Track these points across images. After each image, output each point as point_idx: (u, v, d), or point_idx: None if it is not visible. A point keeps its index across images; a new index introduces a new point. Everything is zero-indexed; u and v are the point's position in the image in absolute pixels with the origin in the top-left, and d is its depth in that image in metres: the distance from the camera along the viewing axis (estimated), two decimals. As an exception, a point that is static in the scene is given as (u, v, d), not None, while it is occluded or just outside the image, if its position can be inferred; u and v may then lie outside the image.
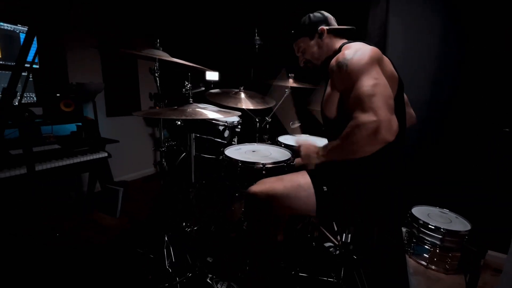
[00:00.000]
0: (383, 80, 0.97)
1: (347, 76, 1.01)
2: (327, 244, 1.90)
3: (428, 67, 2.07)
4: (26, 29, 2.03)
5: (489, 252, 1.91)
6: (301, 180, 1.19)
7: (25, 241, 1.84)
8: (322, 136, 1.95)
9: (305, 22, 1.29)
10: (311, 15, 1.29)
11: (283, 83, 2.05)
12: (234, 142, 2.04)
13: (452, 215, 1.94)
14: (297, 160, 1.61)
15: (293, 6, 2.43)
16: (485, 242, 1.80)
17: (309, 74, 1.45)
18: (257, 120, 2.14)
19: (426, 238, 1.82)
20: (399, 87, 1.11)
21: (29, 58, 0.85)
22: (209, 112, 1.39)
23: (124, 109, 3.07)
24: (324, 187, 1.15)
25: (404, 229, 2.00)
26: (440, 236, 1.76)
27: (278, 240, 1.43)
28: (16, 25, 2.03)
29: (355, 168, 1.13)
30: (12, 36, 2.03)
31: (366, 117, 0.90)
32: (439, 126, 2.09)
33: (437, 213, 1.96)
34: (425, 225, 1.82)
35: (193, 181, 1.69)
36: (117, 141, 2.53)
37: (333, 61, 1.09)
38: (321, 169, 1.32)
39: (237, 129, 2.02)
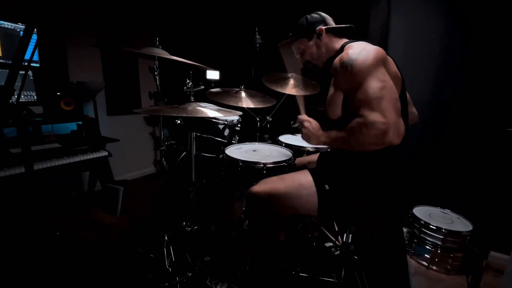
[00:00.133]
0: (390, 82, 0.97)
1: (352, 76, 1.00)
2: (328, 244, 1.89)
3: (429, 67, 2.06)
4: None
5: (491, 252, 1.90)
6: (303, 179, 1.18)
7: (25, 241, 1.84)
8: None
9: (303, 23, 1.28)
10: (309, 16, 1.29)
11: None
12: (235, 141, 2.03)
13: (454, 216, 1.93)
14: (298, 160, 1.60)
15: (294, 5, 2.42)
16: (487, 243, 1.79)
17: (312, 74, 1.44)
18: (258, 119, 2.14)
19: (428, 238, 1.81)
20: (403, 86, 1.10)
21: (28, 56, 0.85)
22: (210, 111, 1.38)
23: (124, 108, 3.06)
24: (326, 186, 1.14)
25: (405, 229, 1.99)
26: (441, 237, 1.75)
27: (279, 240, 1.42)
28: (17, 23, 2.02)
29: (360, 161, 1.13)
30: (12, 34, 2.02)
31: (375, 117, 0.90)
32: (441, 126, 2.07)
33: (439, 214, 1.95)
34: (427, 225, 1.81)
35: (193, 180, 1.69)
36: (118, 140, 2.53)
37: (337, 60, 1.07)
38: (322, 168, 1.32)
39: (237, 128, 2.02)
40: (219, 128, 1.92)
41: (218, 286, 1.49)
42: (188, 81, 1.65)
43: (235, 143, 1.96)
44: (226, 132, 1.94)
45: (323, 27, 1.24)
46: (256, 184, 1.25)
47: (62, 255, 1.82)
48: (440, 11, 1.99)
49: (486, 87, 1.91)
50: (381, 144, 0.91)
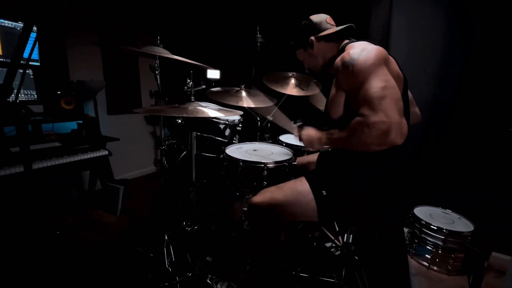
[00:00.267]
0: (392, 82, 0.95)
1: (354, 76, 0.99)
2: (328, 244, 1.89)
3: (430, 67, 2.05)
4: (27, 26, 2.02)
5: (492, 253, 1.89)
6: (300, 187, 1.18)
7: (25, 241, 1.84)
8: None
9: (297, 35, 1.31)
10: (301, 24, 1.29)
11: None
12: (235, 140, 2.02)
13: (455, 216, 1.92)
14: (299, 160, 1.60)
15: (295, 5, 2.41)
16: (489, 244, 1.78)
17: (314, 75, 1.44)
18: (259, 119, 2.13)
19: (428, 238, 1.80)
20: (405, 86, 1.09)
21: (26, 55, 0.84)
22: (210, 111, 1.37)
23: (125, 107, 3.06)
24: (323, 191, 1.14)
25: (406, 230, 1.99)
26: (442, 237, 1.74)
27: (280, 240, 1.42)
28: (17, 22, 2.02)
29: (356, 161, 1.13)
30: (13, 33, 2.02)
31: (377, 117, 0.88)
32: (443, 126, 2.07)
33: (440, 214, 1.94)
34: (428, 225, 1.80)
35: (193, 180, 1.68)
36: (118, 139, 2.52)
37: (338, 60, 1.07)
38: (320, 171, 1.31)
39: (238, 128, 2.01)
40: (220, 127, 1.91)
41: (218, 286, 1.49)
42: (188, 80, 1.64)
43: (235, 143, 1.95)
44: (227, 132, 1.94)
45: (313, 38, 1.25)
46: (255, 194, 1.25)
47: (62, 255, 1.82)
48: (441, 10, 1.97)
49: (487, 87, 1.90)
50: (383, 145, 0.89)
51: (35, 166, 1.88)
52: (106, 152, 2.36)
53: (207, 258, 1.68)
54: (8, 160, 1.80)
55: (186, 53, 1.59)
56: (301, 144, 1.22)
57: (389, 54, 1.08)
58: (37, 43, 2.12)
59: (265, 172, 1.45)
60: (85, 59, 2.67)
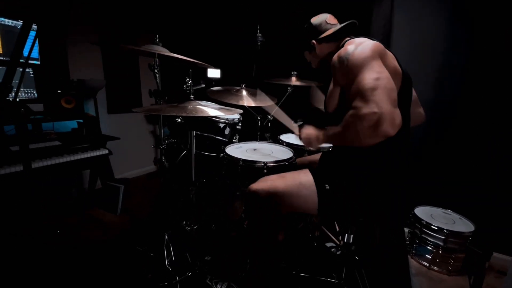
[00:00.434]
0: (385, 73, 0.95)
1: (348, 70, 0.99)
2: (329, 244, 1.88)
3: (431, 66, 2.04)
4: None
5: (493, 254, 1.89)
6: (303, 178, 1.17)
7: (25, 241, 1.83)
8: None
9: (300, 38, 1.34)
10: (304, 27, 1.32)
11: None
12: (235, 140, 2.02)
13: (456, 216, 1.91)
14: (299, 160, 1.59)
15: (296, 3, 2.40)
16: (490, 244, 1.78)
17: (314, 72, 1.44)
18: (259, 118, 2.12)
19: (429, 238, 1.79)
20: (404, 83, 1.08)
21: (26, 53, 0.84)
22: (210, 109, 1.37)
23: (125, 106, 3.05)
24: (326, 185, 1.13)
25: (406, 230, 1.98)
26: (443, 237, 1.74)
27: (279, 239, 1.41)
28: (17, 20, 2.01)
29: (356, 160, 1.12)
30: (13, 31, 2.01)
31: (368, 109, 0.87)
32: (443, 126, 2.06)
33: (440, 214, 1.94)
34: (428, 225, 1.79)
35: (193, 179, 1.67)
36: (118, 138, 2.52)
37: (335, 56, 1.08)
38: (323, 167, 1.31)
39: (237, 127, 2.00)
40: (220, 126, 1.90)
41: (218, 286, 1.49)
42: (188, 79, 1.64)
43: (235, 142, 1.94)
44: (227, 131, 1.93)
45: (314, 41, 1.28)
46: (255, 182, 1.24)
47: (62, 255, 1.82)
48: (443, 10, 1.96)
49: (488, 87, 1.89)
50: (376, 137, 0.88)
51: (35, 165, 1.88)
52: (107, 151, 2.36)
53: (207, 258, 1.68)
54: (8, 159, 1.79)
55: (186, 53, 1.58)
56: (301, 143, 1.21)
57: (390, 51, 1.08)
58: (37, 41, 2.11)
59: (265, 171, 1.44)
60: (85, 58, 2.67)
